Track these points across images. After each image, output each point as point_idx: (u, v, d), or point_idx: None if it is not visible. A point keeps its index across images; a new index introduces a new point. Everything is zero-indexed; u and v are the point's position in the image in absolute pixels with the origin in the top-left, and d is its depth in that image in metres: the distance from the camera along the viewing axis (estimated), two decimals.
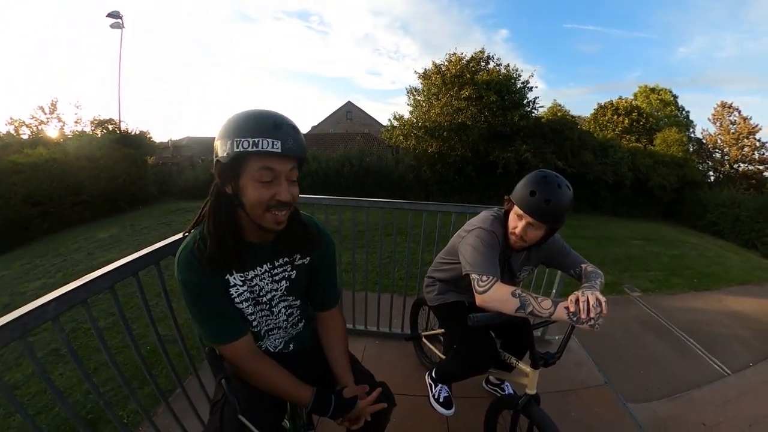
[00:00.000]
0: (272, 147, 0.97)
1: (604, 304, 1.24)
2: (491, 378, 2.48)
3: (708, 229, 14.77)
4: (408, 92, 16.34)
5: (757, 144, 21.41)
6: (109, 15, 15.41)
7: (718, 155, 22.76)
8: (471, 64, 14.98)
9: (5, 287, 6.60)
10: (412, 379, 2.56)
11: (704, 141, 23.21)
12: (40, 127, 17.04)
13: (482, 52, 15.28)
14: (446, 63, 15.15)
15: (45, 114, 17.11)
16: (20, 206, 10.92)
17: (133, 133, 16.22)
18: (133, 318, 4.01)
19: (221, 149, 1.01)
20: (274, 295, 1.26)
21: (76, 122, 17.42)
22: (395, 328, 3.13)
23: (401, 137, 15.07)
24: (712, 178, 21.97)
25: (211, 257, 1.08)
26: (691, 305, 5.86)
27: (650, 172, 16.12)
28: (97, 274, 1.30)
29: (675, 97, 24.60)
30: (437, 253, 2.12)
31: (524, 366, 1.77)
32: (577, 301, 1.26)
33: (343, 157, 14.35)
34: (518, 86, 15.08)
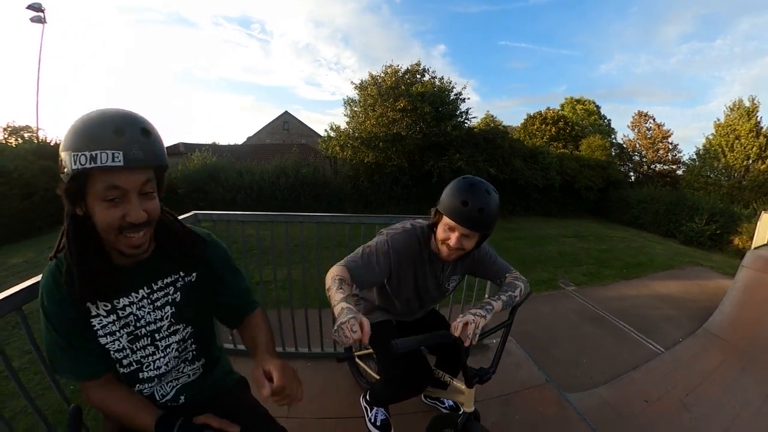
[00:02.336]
0: (113, 161, 0.79)
1: (476, 331, 1.28)
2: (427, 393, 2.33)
3: (632, 223, 15.88)
4: (345, 103, 16.33)
5: (670, 146, 23.63)
6: (30, 7, 14.14)
7: (637, 158, 24.73)
8: (407, 76, 15.23)
9: None
10: (348, 401, 2.33)
11: (624, 145, 25.17)
12: None
13: (418, 64, 15.57)
14: (382, 75, 15.31)
15: None
16: None
17: (52, 142, 14.19)
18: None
19: (63, 165, 0.83)
20: (161, 326, 1.05)
21: None
22: (328, 348, 2.84)
23: (338, 148, 14.93)
24: (633, 178, 23.80)
25: (73, 288, 0.91)
26: (622, 293, 6.11)
27: (577, 174, 17.20)
28: None
29: (598, 107, 26.72)
30: None
31: (459, 384, 1.63)
32: (463, 327, 1.28)
33: (278, 168, 13.68)
34: (452, 98, 15.49)
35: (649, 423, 2.84)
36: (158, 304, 1.04)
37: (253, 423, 1.16)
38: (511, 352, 3.02)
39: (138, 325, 1.02)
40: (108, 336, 0.99)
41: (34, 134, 14.72)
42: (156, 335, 1.05)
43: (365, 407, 2.04)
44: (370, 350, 2.23)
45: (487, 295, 2.85)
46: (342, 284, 1.27)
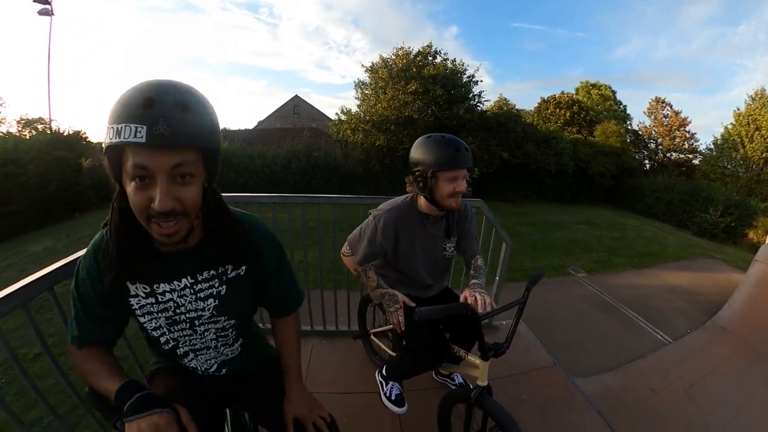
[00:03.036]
0: (135, 136, 0.69)
1: (492, 304, 1.47)
2: (441, 369, 2.37)
3: (645, 212, 15.65)
4: (356, 86, 16.22)
5: (687, 135, 23.12)
6: (36, 0, 14.15)
7: (652, 145, 24.27)
8: (418, 59, 15.02)
9: None
10: (362, 377, 2.38)
11: (640, 132, 24.67)
12: None
13: (429, 46, 15.34)
14: (393, 57, 15.12)
15: None
16: None
17: (65, 133, 14.58)
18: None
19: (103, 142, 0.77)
20: (201, 315, 1.01)
21: (0, 122, 15.68)
22: (342, 326, 2.90)
23: (349, 131, 14.85)
24: (647, 166, 23.43)
25: (111, 268, 0.88)
26: (632, 282, 6.09)
27: (591, 160, 16.95)
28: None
29: (614, 92, 26.06)
30: None
31: (473, 358, 1.69)
32: (475, 299, 1.47)
33: (289, 152, 13.80)
34: (464, 80, 15.30)
35: (654, 411, 2.87)
36: (201, 295, 0.99)
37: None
38: (521, 335, 3.02)
39: (177, 311, 0.99)
40: (146, 315, 0.97)
41: (47, 126, 14.97)
42: (195, 322, 1.02)
43: (380, 382, 2.09)
44: (386, 328, 2.29)
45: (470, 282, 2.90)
46: (367, 271, 1.58)
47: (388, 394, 2.01)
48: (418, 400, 2.08)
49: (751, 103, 19.00)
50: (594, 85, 26.30)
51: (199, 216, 0.89)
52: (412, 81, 14.10)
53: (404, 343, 1.91)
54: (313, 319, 2.84)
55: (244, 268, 1.03)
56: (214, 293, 1.00)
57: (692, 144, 22.98)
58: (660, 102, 24.20)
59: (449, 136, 1.63)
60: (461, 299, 1.49)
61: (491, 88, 64.88)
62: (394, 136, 14.18)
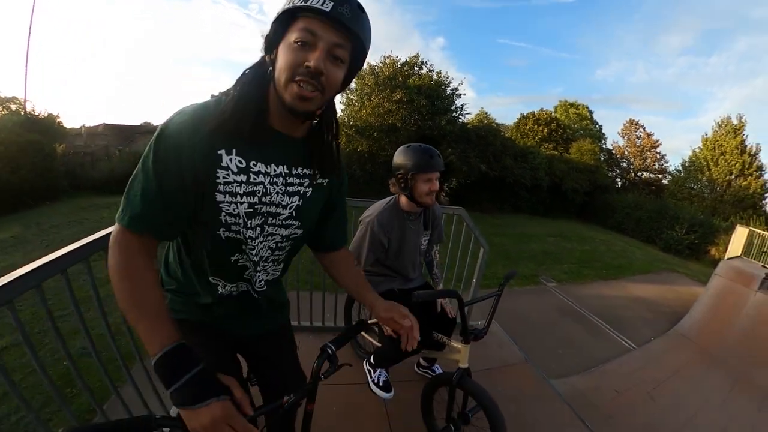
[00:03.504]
0: (322, 4, 0.78)
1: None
2: (422, 361, 2.52)
3: (615, 228, 16.33)
4: None
5: (658, 156, 24.32)
6: None
7: (625, 164, 25.36)
8: (405, 68, 15.32)
9: None
10: (347, 371, 2.44)
11: (614, 152, 25.75)
12: None
13: (417, 56, 15.67)
14: (381, 65, 15.36)
15: None
16: None
17: (40, 115, 14.02)
18: (45, 330, 3.55)
19: (277, 13, 0.84)
20: (279, 213, 0.99)
21: None
22: (328, 323, 3.03)
23: None
24: (619, 184, 24.38)
25: (218, 121, 0.84)
26: (600, 292, 6.35)
27: (565, 176, 17.52)
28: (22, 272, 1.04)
29: (591, 112, 27.04)
30: None
31: (456, 343, 1.87)
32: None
33: None
34: (448, 93, 15.68)
35: (619, 410, 3.04)
36: (290, 189, 0.98)
37: (288, 366, 1.29)
38: (495, 334, 3.18)
39: (263, 200, 0.94)
40: (228, 195, 0.89)
41: (21, 106, 14.25)
42: (270, 219, 0.98)
43: (368, 370, 2.21)
44: (372, 321, 2.37)
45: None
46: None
47: (376, 381, 2.15)
48: (402, 389, 2.21)
49: (717, 129, 20.13)
50: (572, 104, 27.17)
51: (319, 112, 0.92)
52: (398, 90, 14.36)
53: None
54: (301, 316, 2.94)
55: (327, 180, 1.07)
56: (301, 192, 1.01)
57: (662, 165, 24.16)
58: (633, 124, 25.37)
59: (425, 146, 1.91)
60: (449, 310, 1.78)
61: (473, 100, 65.86)
62: (376, 142, 14.36)
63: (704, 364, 4.17)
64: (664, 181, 23.39)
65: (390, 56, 15.39)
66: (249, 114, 0.86)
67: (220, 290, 1.06)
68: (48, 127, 13.88)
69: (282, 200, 0.97)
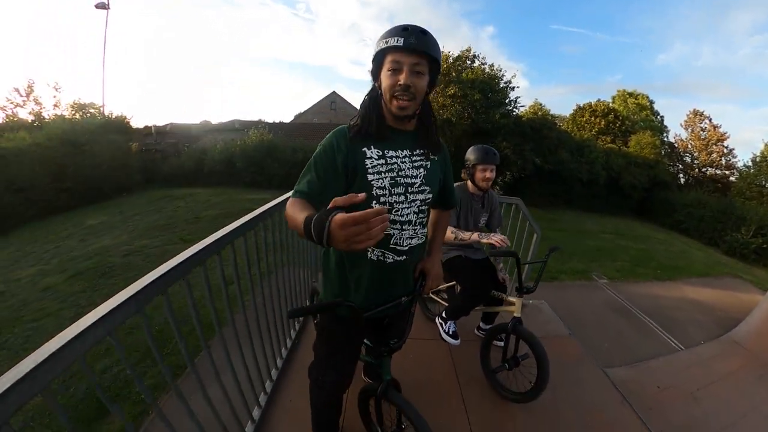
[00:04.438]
0: (397, 42, 1.20)
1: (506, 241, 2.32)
2: (481, 324, 3.13)
3: (675, 227, 15.57)
4: None
5: (725, 150, 22.66)
6: None
7: (688, 159, 23.88)
8: (457, 63, 15.41)
9: None
10: (420, 329, 3.08)
11: (676, 145, 24.32)
12: (15, 110, 15.80)
13: (468, 50, 15.69)
14: None
15: (21, 96, 15.73)
16: (2, 193, 10.54)
17: (115, 117, 15.65)
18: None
19: (372, 54, 1.30)
20: (414, 182, 1.38)
21: (54, 106, 16.29)
22: None
23: None
24: (682, 180, 23.05)
25: (357, 129, 1.32)
26: (652, 292, 6.31)
27: (623, 171, 16.96)
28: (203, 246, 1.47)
29: (651, 102, 25.70)
30: None
31: (511, 297, 2.59)
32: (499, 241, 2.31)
33: None
34: (501, 86, 15.56)
35: (659, 405, 3.18)
36: (416, 164, 1.39)
37: (408, 329, 1.61)
38: (543, 312, 3.71)
39: (399, 174, 1.35)
40: (375, 174, 1.32)
41: (99, 110, 15.97)
42: (410, 188, 1.38)
43: (440, 323, 2.77)
44: (443, 286, 3.03)
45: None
46: (457, 232, 2.49)
47: (447, 331, 2.71)
48: (465, 345, 2.79)
49: None
50: (631, 94, 25.99)
51: (418, 111, 1.33)
52: (451, 85, 14.51)
53: (462, 287, 2.71)
54: None
55: (438, 156, 1.47)
56: (423, 165, 1.41)
57: (729, 160, 22.56)
58: (698, 114, 23.85)
59: (486, 146, 2.63)
60: (497, 241, 2.30)
61: (527, 91, 63.11)
62: None
63: (756, 373, 4.05)
64: (732, 178, 21.80)
65: (443, 51, 15.38)
66: (372, 122, 1.32)
67: (369, 256, 1.42)
68: (122, 127, 15.56)
69: (412, 172, 1.38)
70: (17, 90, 15.75)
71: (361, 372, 2.46)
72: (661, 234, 13.43)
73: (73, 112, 15.95)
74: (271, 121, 20.61)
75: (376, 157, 1.33)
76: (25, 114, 15.41)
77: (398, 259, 1.43)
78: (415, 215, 1.41)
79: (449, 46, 16.28)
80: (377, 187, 1.32)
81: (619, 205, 17.29)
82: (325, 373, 1.66)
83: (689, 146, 23.77)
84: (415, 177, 1.38)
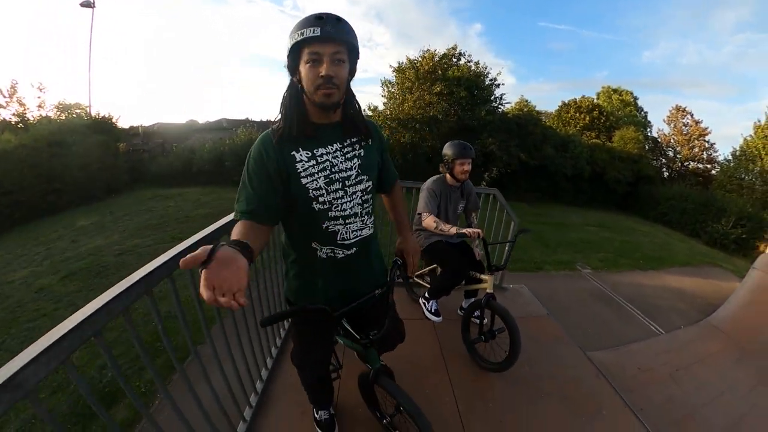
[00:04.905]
0: (313, 33, 1.14)
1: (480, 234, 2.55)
2: (463, 304, 3.38)
3: (659, 220, 15.88)
4: (382, 84, 16.87)
5: (706, 145, 23.07)
6: None
7: (671, 153, 24.24)
8: (443, 60, 15.57)
9: None
10: (406, 310, 3.35)
11: (659, 140, 24.64)
12: None
13: (454, 48, 15.89)
14: (420, 59, 15.66)
15: (4, 97, 14.86)
16: None
17: (102, 118, 15.43)
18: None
19: (286, 48, 1.23)
20: (350, 175, 1.35)
21: (39, 106, 15.62)
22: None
23: None
24: (665, 174, 23.39)
25: (281, 133, 1.27)
26: (635, 281, 6.50)
27: (607, 166, 17.30)
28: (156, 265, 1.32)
29: (635, 98, 25.98)
30: (412, 217, 3.18)
31: (483, 276, 2.85)
32: (474, 233, 2.53)
33: None
34: (487, 83, 15.84)
35: (639, 385, 3.29)
36: (348, 155, 1.35)
37: (390, 318, 1.57)
38: (523, 295, 3.88)
39: (333, 170, 1.31)
40: (308, 177, 1.28)
41: (85, 111, 15.74)
42: (346, 182, 1.34)
43: (423, 303, 3.06)
44: (425, 270, 3.40)
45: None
46: (436, 221, 2.70)
47: (430, 309, 3.00)
48: (447, 323, 3.10)
49: None
50: (615, 90, 26.33)
51: (342, 99, 1.28)
52: (437, 82, 14.68)
53: (443, 269, 2.94)
54: None
55: (370, 140, 1.42)
56: (357, 154, 1.37)
57: (711, 154, 23.00)
58: (680, 110, 24.20)
59: (462, 141, 2.84)
60: (471, 233, 2.53)
61: (514, 87, 63.65)
62: (417, 133, 14.75)
63: (733, 356, 4.19)
64: (713, 172, 22.14)
65: (429, 50, 15.65)
66: (294, 121, 1.28)
67: (318, 254, 1.41)
68: (109, 128, 15.34)
69: (346, 165, 1.35)
70: (0, 92, 15.18)
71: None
72: (645, 226, 13.70)
73: (58, 113, 15.60)
74: (258, 119, 20.52)
75: (306, 159, 1.29)
76: (8, 115, 14.93)
77: (348, 252, 1.43)
78: (359, 206, 1.40)
79: (437, 44, 16.56)
80: (313, 189, 1.30)
81: (603, 199, 17.60)
82: (302, 358, 1.74)
83: (672, 141, 24.15)
84: (350, 169, 1.35)
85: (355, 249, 1.43)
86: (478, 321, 2.78)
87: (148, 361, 1.29)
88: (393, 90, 16.40)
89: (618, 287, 5.95)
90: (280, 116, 1.31)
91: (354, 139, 1.38)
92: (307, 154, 1.29)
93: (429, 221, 2.74)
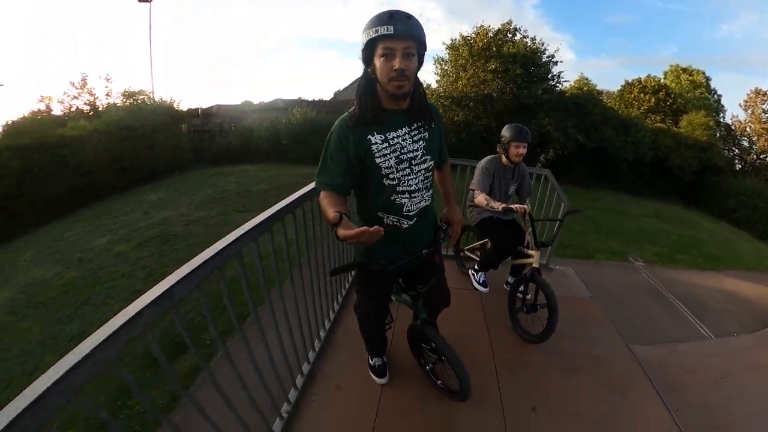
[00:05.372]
0: (386, 30, 1.29)
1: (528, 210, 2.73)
2: (509, 279, 3.44)
3: (725, 216, 14.73)
4: (435, 62, 16.50)
5: None
6: None
7: (745, 143, 21.88)
8: (498, 36, 14.99)
9: (74, 245, 7.52)
10: (456, 280, 3.45)
11: (733, 128, 22.25)
12: (72, 102, 17.02)
13: (509, 23, 15.27)
14: (473, 35, 15.19)
15: (76, 89, 16.85)
16: (70, 177, 12.38)
17: (164, 102, 16.82)
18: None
19: (361, 43, 1.39)
20: (416, 155, 1.53)
21: (107, 95, 17.47)
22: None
23: None
24: (737, 166, 21.21)
25: (357, 117, 1.46)
26: (690, 280, 6.19)
27: (671, 152, 16.15)
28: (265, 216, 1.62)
29: (707, 79, 23.22)
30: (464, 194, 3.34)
31: (530, 251, 2.93)
32: (521, 209, 2.67)
33: None
34: (544, 60, 15.14)
35: (680, 385, 3.23)
36: (415, 138, 1.53)
37: (436, 276, 1.85)
38: (569, 277, 3.86)
39: (402, 152, 1.50)
40: (382, 157, 1.48)
41: (148, 96, 17.21)
42: (413, 162, 1.53)
43: (473, 274, 3.26)
44: (476, 244, 3.53)
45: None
46: (487, 198, 2.79)
47: (478, 280, 3.21)
48: (494, 295, 3.22)
49: None
50: (685, 70, 23.84)
51: (411, 89, 1.44)
52: (492, 59, 14.22)
53: (493, 243, 3.13)
54: None
55: (432, 125, 1.60)
56: (422, 137, 1.55)
57: None
58: (760, 94, 21.41)
59: (520, 125, 2.89)
60: (518, 208, 2.66)
61: (572, 64, 58.70)
62: (471, 112, 14.45)
63: None
64: None
65: (482, 26, 15.15)
66: (369, 108, 1.45)
67: (384, 221, 1.60)
68: (171, 111, 16.74)
69: (413, 147, 1.53)
70: (72, 83, 16.91)
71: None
72: (708, 222, 12.92)
73: (124, 100, 17.15)
74: (310, 99, 21.01)
75: (380, 142, 1.48)
76: (80, 104, 16.79)
77: (411, 223, 1.64)
78: (422, 183, 1.59)
79: (490, 18, 15.81)
80: (385, 167, 1.50)
81: (665, 188, 16.59)
82: (364, 308, 2.02)
83: (748, 129, 21.74)
84: (416, 150, 1.54)
85: (416, 219, 1.64)
86: (521, 296, 2.89)
87: (232, 306, 1.50)
88: (446, 68, 16.03)
89: (671, 284, 5.73)
90: (355, 102, 1.49)
91: (419, 123, 1.55)
92: (381, 137, 1.48)
93: (480, 198, 2.85)
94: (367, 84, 1.45)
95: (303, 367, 2.26)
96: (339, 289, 3.03)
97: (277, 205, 1.76)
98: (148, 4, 18.28)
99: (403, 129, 1.52)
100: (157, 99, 17.34)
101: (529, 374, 2.47)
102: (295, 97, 22.23)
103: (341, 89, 32.89)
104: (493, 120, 14.45)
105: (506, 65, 14.14)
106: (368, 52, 1.38)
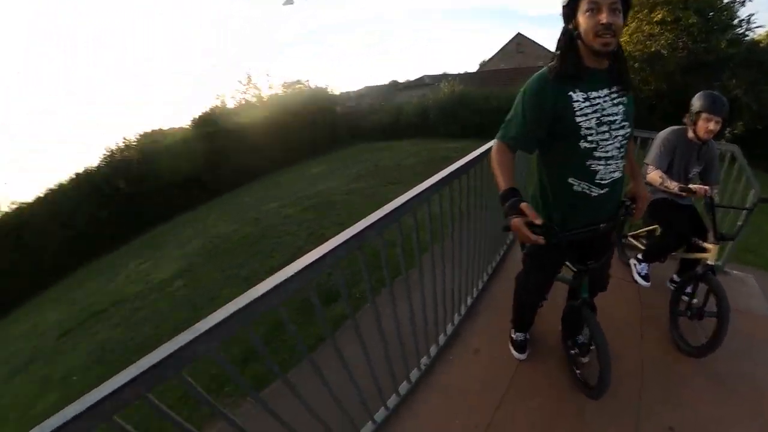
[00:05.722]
0: None
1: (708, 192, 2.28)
2: (674, 277, 2.98)
3: None
4: None
5: None
6: None
7: None
8: None
9: (251, 208, 9.67)
10: (613, 268, 3.09)
11: None
12: (242, 96, 21.12)
13: None
14: None
15: (243, 85, 20.85)
16: (249, 156, 16.02)
17: (319, 88, 20.28)
18: None
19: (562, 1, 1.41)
20: (616, 119, 1.46)
21: (269, 87, 21.27)
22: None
23: None
24: None
25: (557, 71, 1.42)
26: None
27: None
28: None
29: None
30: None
31: (707, 244, 2.44)
32: (701, 190, 2.27)
33: (517, 94, 13.88)
34: (726, 1, 12.27)
35: None
36: (615, 101, 1.45)
37: (606, 254, 1.82)
38: (748, 285, 3.22)
39: (603, 113, 1.43)
40: (582, 116, 1.42)
41: (305, 85, 20.87)
42: (612, 125, 1.46)
43: (634, 264, 2.99)
44: (641, 231, 3.18)
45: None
46: (662, 176, 2.43)
47: (640, 272, 2.91)
48: (655, 291, 2.90)
49: None
50: None
51: (616, 47, 1.37)
52: (658, 8, 12.24)
53: (664, 230, 2.77)
54: None
55: (629, 93, 1.53)
56: (623, 102, 1.48)
57: None
58: None
59: (716, 93, 2.38)
60: (698, 189, 2.29)
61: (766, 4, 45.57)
62: (636, 75, 12.62)
63: None
64: None
65: None
66: (570, 63, 1.41)
67: (574, 188, 1.56)
68: (326, 95, 20.41)
69: (614, 110, 1.46)
70: (240, 82, 21.64)
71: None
72: None
73: (284, 90, 20.83)
74: (455, 72, 21.28)
75: (582, 100, 1.41)
76: (248, 97, 20.83)
77: (601, 192, 1.56)
78: (617, 150, 1.51)
79: None
80: (585, 128, 1.44)
81: None
82: (527, 279, 2.03)
83: None
84: (616, 114, 1.46)
85: (607, 189, 1.57)
86: (687, 298, 2.49)
87: (366, 276, 1.67)
88: None
89: None
90: (555, 59, 1.45)
91: (619, 87, 1.49)
92: (583, 95, 1.42)
93: (654, 176, 2.50)
94: (567, 41, 1.42)
95: (447, 327, 2.48)
96: (494, 256, 3.17)
97: (446, 169, 1.91)
98: (291, 6, 21.59)
99: (604, 90, 1.45)
100: (312, 86, 20.66)
101: (676, 389, 2.19)
102: (440, 72, 22.47)
103: (486, 60, 32.14)
104: (664, 83, 12.45)
105: (676, 13, 11.92)
106: (570, 8, 1.37)
